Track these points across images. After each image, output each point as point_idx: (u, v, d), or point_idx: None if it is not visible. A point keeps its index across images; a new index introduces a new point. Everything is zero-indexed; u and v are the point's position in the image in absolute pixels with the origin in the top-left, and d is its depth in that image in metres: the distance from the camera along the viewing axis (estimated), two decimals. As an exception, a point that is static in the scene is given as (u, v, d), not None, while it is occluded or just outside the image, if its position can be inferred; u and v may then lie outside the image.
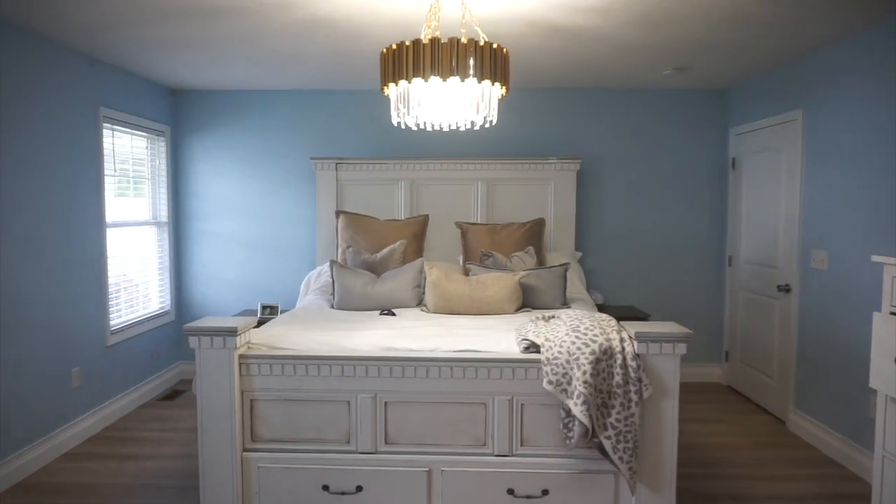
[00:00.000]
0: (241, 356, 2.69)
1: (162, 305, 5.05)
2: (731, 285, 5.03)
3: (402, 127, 2.79)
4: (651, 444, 2.58)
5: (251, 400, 2.71)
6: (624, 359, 2.51)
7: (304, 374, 2.68)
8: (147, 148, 4.85)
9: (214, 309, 5.22)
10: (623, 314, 4.53)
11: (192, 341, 2.63)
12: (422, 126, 2.80)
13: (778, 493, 3.20)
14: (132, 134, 4.61)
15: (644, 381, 2.50)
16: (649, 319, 4.71)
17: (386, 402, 2.69)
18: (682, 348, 2.55)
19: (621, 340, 2.56)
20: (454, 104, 2.61)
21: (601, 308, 4.50)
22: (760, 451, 3.73)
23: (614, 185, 5.11)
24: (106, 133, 4.24)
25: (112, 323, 4.30)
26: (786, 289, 4.16)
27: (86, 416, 3.93)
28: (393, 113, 2.64)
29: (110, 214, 4.30)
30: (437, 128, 2.87)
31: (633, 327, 2.60)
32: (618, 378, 2.48)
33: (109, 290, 4.26)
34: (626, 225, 5.13)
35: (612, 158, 5.09)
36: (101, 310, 4.14)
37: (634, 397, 2.48)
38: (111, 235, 4.31)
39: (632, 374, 2.49)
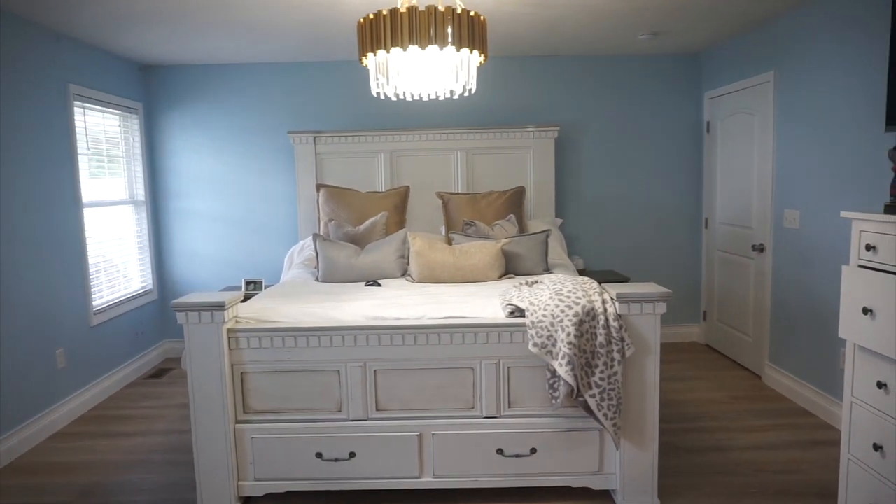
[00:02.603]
0: (229, 330, 2.71)
1: (144, 285, 5.02)
2: (707, 246, 5.14)
3: (382, 97, 2.79)
4: (634, 401, 2.67)
5: (241, 373, 2.74)
6: (606, 320, 2.58)
7: (294, 346, 2.71)
8: (120, 126, 4.76)
9: (197, 287, 5.20)
10: (603, 278, 4.61)
11: (180, 317, 2.64)
12: (401, 96, 2.81)
13: (756, 442, 3.34)
14: (104, 111, 4.52)
15: (626, 341, 2.58)
16: (629, 281, 4.81)
17: (375, 371, 2.74)
18: (661, 307, 2.63)
19: (603, 302, 2.63)
20: (433, 73, 2.62)
21: (582, 273, 4.58)
22: (738, 405, 3.88)
23: (592, 151, 5.16)
24: (77, 111, 4.15)
25: (95, 303, 4.27)
26: (760, 248, 4.28)
27: (73, 396, 3.93)
28: (372, 83, 2.63)
29: (86, 194, 4.24)
30: (416, 98, 2.87)
31: (614, 289, 2.67)
32: (601, 338, 2.56)
33: (90, 270, 4.22)
34: (605, 191, 5.19)
35: (590, 125, 5.13)
36: (83, 290, 4.12)
37: (617, 356, 2.56)
38: (88, 215, 4.25)
39: (614, 335, 2.56)
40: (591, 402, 2.56)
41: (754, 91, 4.31)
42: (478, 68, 2.71)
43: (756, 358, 4.41)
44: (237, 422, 2.77)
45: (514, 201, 4.47)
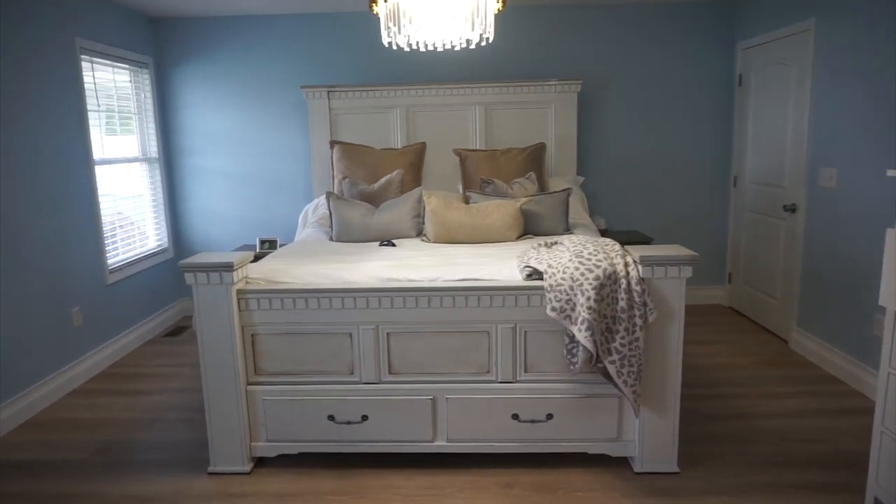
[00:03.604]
0: (239, 291, 2.65)
1: (160, 243, 5.00)
2: (736, 206, 4.95)
3: (394, 48, 2.64)
4: (655, 368, 2.57)
5: (252, 334, 2.69)
6: (628, 283, 2.46)
7: (305, 308, 2.65)
8: (131, 81, 4.66)
9: (213, 245, 5.17)
10: (626, 239, 4.48)
11: (189, 277, 2.58)
12: (414, 46, 2.65)
13: (780, 410, 3.23)
14: (113, 66, 4.41)
15: (649, 306, 2.46)
16: (652, 243, 4.66)
17: (388, 333, 2.66)
18: (687, 271, 2.50)
19: (625, 265, 2.51)
20: (447, 20, 2.45)
21: (604, 233, 4.45)
22: (763, 370, 3.76)
23: (616, 106, 4.94)
24: (85, 66, 4.05)
25: (110, 262, 4.25)
26: (792, 208, 4.08)
27: (91, 353, 3.95)
28: (383, 32, 2.48)
29: (98, 151, 4.18)
30: (430, 48, 2.71)
31: (637, 251, 2.54)
32: (622, 303, 2.45)
33: (104, 228, 4.19)
34: (629, 147, 4.99)
35: (615, 79, 4.90)
36: (98, 249, 4.09)
37: (639, 322, 2.45)
38: (101, 173, 4.20)
39: (636, 299, 2.45)
40: (611, 369, 2.46)
41: (792, 41, 4.04)
42: (496, 16, 2.54)
43: (783, 322, 4.27)
44: (249, 383, 2.73)
45: (535, 158, 4.32)
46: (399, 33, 2.44)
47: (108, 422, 3.31)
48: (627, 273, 2.48)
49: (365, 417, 2.71)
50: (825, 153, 3.73)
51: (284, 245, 4.22)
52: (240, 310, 2.66)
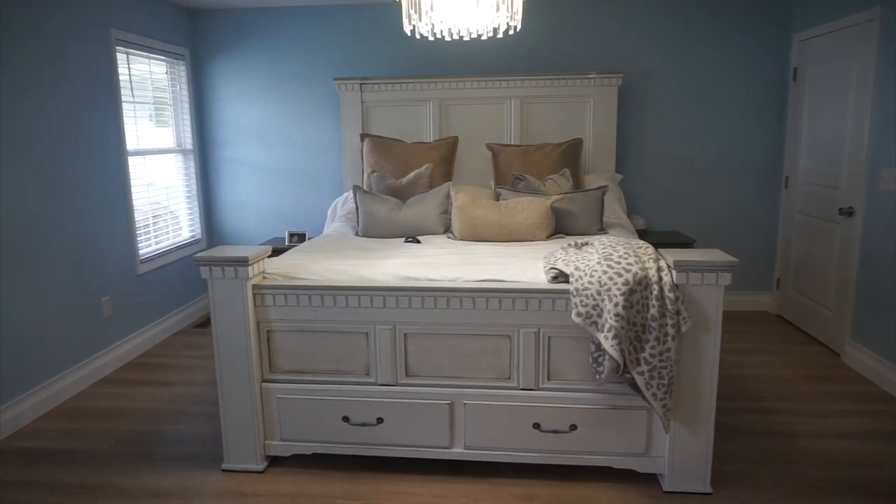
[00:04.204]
0: (255, 286, 2.59)
1: (193, 234, 5.03)
2: (786, 208, 4.66)
3: (417, 36, 2.53)
4: (689, 381, 2.40)
5: (268, 331, 2.63)
6: (661, 289, 2.29)
7: (321, 305, 2.57)
8: (167, 73, 4.68)
9: (245, 237, 5.17)
10: (666, 240, 4.27)
11: (204, 271, 2.53)
12: (438, 35, 2.53)
13: (828, 429, 3.00)
14: (149, 58, 4.44)
15: (682, 314, 2.29)
16: (694, 245, 4.44)
17: (406, 334, 2.56)
18: (726, 278, 2.31)
19: (658, 270, 2.34)
20: (470, 8, 2.32)
21: (642, 234, 4.25)
22: (811, 385, 3.51)
23: (660, 101, 4.71)
24: (121, 58, 4.07)
25: (142, 252, 4.28)
26: (848, 212, 3.80)
27: (120, 343, 3.98)
28: (404, 20, 2.37)
29: (132, 142, 4.21)
30: (455, 37, 2.59)
31: (671, 255, 2.36)
32: (653, 310, 2.28)
33: (136, 219, 4.22)
34: (672, 144, 4.76)
35: (658, 72, 4.67)
36: (129, 239, 4.12)
37: (671, 331, 2.27)
38: (135, 164, 4.23)
39: (669, 307, 2.28)
40: (639, 380, 2.30)
41: (855, 31, 3.75)
42: (525, 4, 2.39)
43: (836, 333, 3.99)
44: (264, 380, 2.67)
45: (570, 154, 4.14)
46: (420, 21, 2.32)
47: (131, 412, 3.31)
48: (660, 278, 2.31)
49: (380, 420, 2.62)
50: (888, 153, 3.45)
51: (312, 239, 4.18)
52: (255, 305, 2.60)
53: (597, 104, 4.51)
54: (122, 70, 4.07)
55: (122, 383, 3.70)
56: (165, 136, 4.71)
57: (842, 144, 3.90)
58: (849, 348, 3.80)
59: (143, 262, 4.25)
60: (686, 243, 4.35)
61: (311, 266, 2.74)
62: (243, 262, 2.49)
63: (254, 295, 2.59)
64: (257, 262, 2.60)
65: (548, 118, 4.56)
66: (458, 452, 2.62)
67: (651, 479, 2.57)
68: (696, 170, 4.77)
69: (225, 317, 2.57)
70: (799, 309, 4.48)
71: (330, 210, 4.39)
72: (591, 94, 4.50)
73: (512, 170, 4.07)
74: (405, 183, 3.96)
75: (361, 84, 4.62)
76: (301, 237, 4.55)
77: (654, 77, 4.67)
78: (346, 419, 2.64)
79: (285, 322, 2.61)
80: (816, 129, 4.22)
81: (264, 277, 2.67)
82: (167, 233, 4.70)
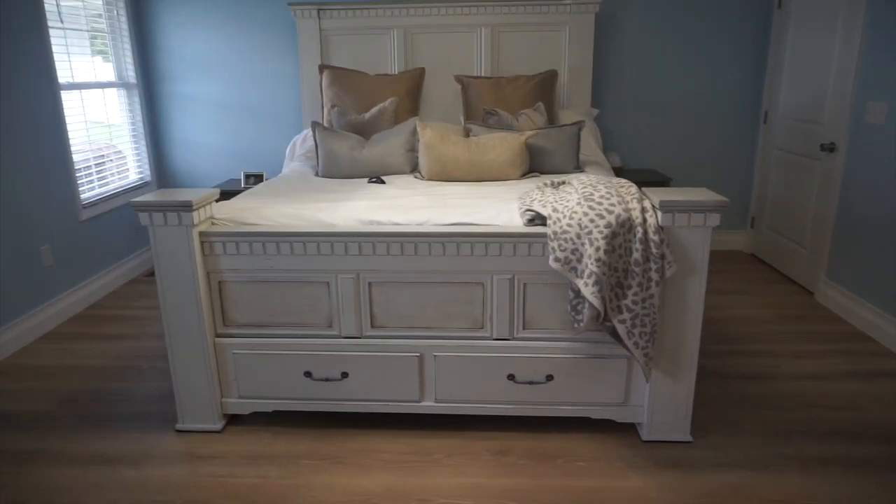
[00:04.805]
0: (202, 234, 2.34)
1: (141, 176, 4.68)
2: (764, 144, 4.52)
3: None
4: (671, 327, 2.27)
5: (219, 282, 2.40)
6: (645, 232, 2.12)
7: (276, 253, 2.34)
8: (101, -4, 4.22)
9: (199, 179, 4.84)
10: (642, 179, 4.11)
11: (143, 217, 2.28)
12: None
13: (805, 370, 2.94)
14: (79, -22, 3.97)
15: (667, 258, 2.13)
16: (670, 183, 4.29)
17: (370, 283, 2.37)
18: (714, 219, 2.16)
19: (643, 210, 2.16)
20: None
21: (618, 172, 4.07)
22: (786, 325, 3.45)
23: (638, 30, 4.44)
24: (45, -24, 3.62)
25: (84, 196, 3.95)
26: (830, 147, 3.67)
27: (65, 294, 3.70)
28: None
29: (66, 75, 3.80)
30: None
31: (657, 195, 2.19)
32: (637, 255, 2.12)
33: (76, 160, 3.87)
34: (649, 77, 4.53)
35: (638, -2, 4.39)
36: (68, 182, 3.78)
37: (655, 276, 2.12)
38: (71, 99, 3.84)
39: (653, 251, 2.11)
40: (621, 329, 2.16)
41: (845, -48, 3.52)
42: None
43: (810, 272, 3.93)
44: (217, 335, 2.47)
45: (545, 87, 3.89)
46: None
47: (78, 369, 3.09)
48: (644, 220, 2.14)
49: (345, 374, 2.45)
50: (876, 85, 3.29)
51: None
52: (204, 254, 2.37)
53: (572, 33, 4.22)
54: (46, -8, 3.63)
55: (67, 338, 3.46)
56: (106, 70, 4.29)
57: (826, 77, 3.73)
58: (823, 287, 3.75)
59: (85, 206, 3.93)
60: (661, 182, 4.20)
61: (264, 210, 2.50)
62: (187, 206, 2.24)
63: (201, 243, 2.35)
64: (203, 206, 2.34)
65: (520, 48, 4.27)
66: (428, 406, 2.48)
67: (630, 429, 2.48)
68: (672, 104, 4.57)
69: (170, 268, 2.33)
70: (773, 248, 4.41)
71: (288, 149, 4.09)
72: (567, 21, 4.21)
73: (482, 104, 3.81)
74: (368, 118, 3.68)
75: (319, 10, 4.23)
76: (258, 178, 4.26)
77: (633, 4, 4.38)
78: (308, 374, 2.46)
79: (238, 272, 2.38)
80: (800, 61, 4.03)
81: (213, 224, 2.42)
82: (113, 175, 4.35)
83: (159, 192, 2.36)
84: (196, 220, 2.29)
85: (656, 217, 2.16)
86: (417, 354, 2.41)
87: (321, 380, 2.46)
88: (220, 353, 2.47)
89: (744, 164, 4.68)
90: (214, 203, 2.49)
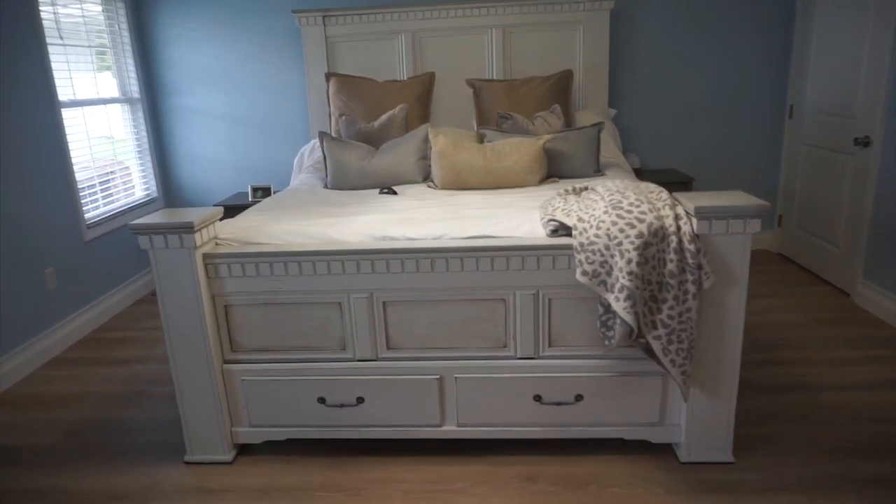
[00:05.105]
0: (205, 255, 2.21)
1: (147, 192, 4.58)
2: (791, 140, 4.33)
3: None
4: (710, 342, 2.11)
5: (225, 305, 2.27)
6: (680, 241, 1.96)
7: (284, 274, 2.21)
8: (103, 12, 4.12)
9: (206, 194, 4.74)
10: (663, 179, 3.95)
11: (143, 241, 2.15)
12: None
13: (850, 380, 2.76)
14: (79, -8, 3.88)
15: (704, 269, 1.97)
16: (693, 184, 4.11)
17: (384, 302, 2.23)
18: (754, 225, 1.99)
19: (676, 218, 2.01)
20: None
21: (637, 173, 3.91)
22: (824, 330, 3.27)
23: (654, 26, 4.27)
24: (43, -7, 3.53)
25: (88, 216, 3.85)
26: (864, 142, 3.48)
27: (71, 317, 3.60)
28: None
29: (67, 93, 3.71)
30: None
31: (690, 200, 2.03)
32: (671, 266, 1.96)
33: (79, 178, 3.77)
34: (668, 74, 4.36)
35: (653, -8, 4.23)
36: (71, 201, 3.68)
37: (692, 288, 1.96)
38: (72, 116, 3.74)
39: (689, 261, 1.96)
40: (656, 346, 2.00)
41: (874, -65, 3.34)
42: None
43: (845, 272, 3.73)
44: (225, 361, 2.34)
45: (560, 89, 3.74)
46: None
47: (84, 397, 2.97)
48: (678, 228, 1.98)
49: (361, 400, 2.31)
50: (911, 73, 3.11)
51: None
52: (208, 277, 2.24)
53: (587, 31, 4.07)
54: (45, 11, 3.53)
55: (73, 363, 3.35)
56: (110, 86, 4.20)
57: (858, 67, 3.55)
58: (860, 288, 3.56)
59: (90, 226, 3.83)
60: (684, 182, 4.03)
61: (270, 228, 2.37)
62: (188, 228, 2.11)
63: (205, 265, 2.22)
64: (206, 226, 2.21)
65: (533, 49, 4.12)
66: (450, 431, 2.34)
67: (666, 450, 2.31)
68: (692, 101, 4.40)
69: (173, 292, 2.20)
70: (803, 247, 4.22)
71: (296, 160, 3.97)
72: (581, 19, 4.05)
73: (496, 108, 3.67)
74: (377, 127, 3.54)
75: (324, 16, 4.11)
76: (266, 191, 4.15)
77: (649, 1, 4.23)
78: (321, 400, 2.32)
79: (245, 295, 2.25)
80: (828, 52, 3.85)
81: (217, 244, 2.29)
82: (119, 193, 4.25)
83: (160, 213, 2.24)
84: (199, 242, 2.16)
85: (691, 225, 2.00)
86: (437, 377, 2.27)
87: (336, 406, 2.32)
88: (228, 380, 2.34)
89: (768, 160, 4.50)
90: (218, 222, 2.36)
